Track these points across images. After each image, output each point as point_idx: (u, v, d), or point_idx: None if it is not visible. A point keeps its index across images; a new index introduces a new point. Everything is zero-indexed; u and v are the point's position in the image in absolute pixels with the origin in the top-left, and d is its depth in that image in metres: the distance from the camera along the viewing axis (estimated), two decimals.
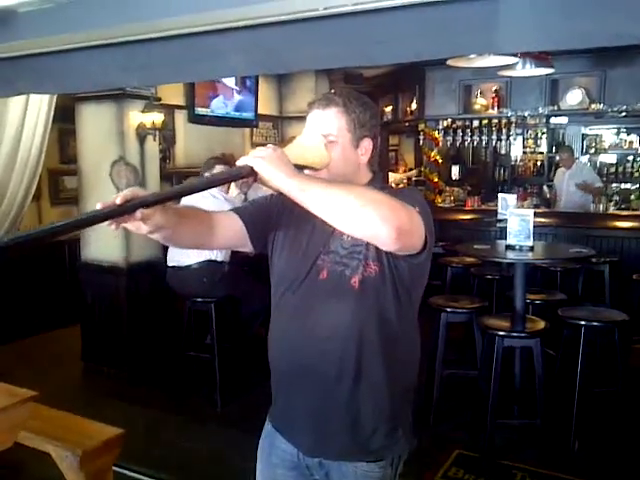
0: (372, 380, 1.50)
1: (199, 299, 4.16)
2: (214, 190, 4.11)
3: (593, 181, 6.80)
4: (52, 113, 4.47)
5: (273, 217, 1.62)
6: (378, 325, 1.48)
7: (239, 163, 1.33)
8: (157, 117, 4.67)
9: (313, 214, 1.54)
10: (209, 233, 1.52)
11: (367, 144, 1.54)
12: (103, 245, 4.73)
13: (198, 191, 1.35)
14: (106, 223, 1.20)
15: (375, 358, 1.49)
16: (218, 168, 4.14)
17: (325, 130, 1.49)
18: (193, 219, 1.49)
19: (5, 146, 4.30)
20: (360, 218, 1.27)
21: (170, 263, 4.24)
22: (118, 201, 1.18)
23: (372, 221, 1.26)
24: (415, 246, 1.39)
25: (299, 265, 1.54)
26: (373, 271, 1.46)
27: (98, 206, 1.16)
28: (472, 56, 5.02)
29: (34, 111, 4.37)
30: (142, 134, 4.68)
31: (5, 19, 2.23)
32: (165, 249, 4.61)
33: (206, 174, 4.21)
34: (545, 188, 7.66)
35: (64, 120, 4.94)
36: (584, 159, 7.88)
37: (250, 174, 1.31)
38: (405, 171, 9.41)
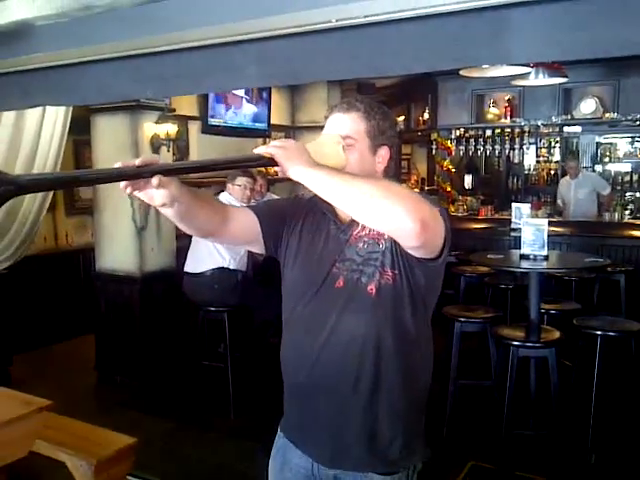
0: (389, 389, 1.48)
1: (212, 308, 4.17)
2: (234, 199, 4.18)
3: (604, 188, 6.81)
4: (68, 125, 4.52)
5: (287, 221, 1.60)
6: (395, 332, 1.46)
7: (257, 151, 1.31)
8: (171, 128, 4.71)
9: (327, 222, 1.55)
10: (222, 223, 1.49)
11: (384, 152, 1.53)
12: (117, 254, 4.77)
13: (218, 168, 1.31)
14: (122, 185, 1.17)
15: (392, 366, 1.47)
16: (240, 180, 4.21)
17: (345, 132, 1.48)
18: (208, 205, 1.46)
19: (22, 157, 4.35)
20: (384, 209, 1.23)
21: (185, 269, 4.28)
22: (137, 162, 1.16)
23: (396, 213, 1.22)
24: (436, 245, 1.37)
25: (314, 273, 1.52)
26: (390, 278, 1.44)
27: (118, 164, 1.13)
28: (485, 66, 5.02)
29: (50, 123, 4.42)
30: (156, 145, 4.72)
31: (22, 32, 2.27)
32: (180, 258, 4.64)
33: (229, 184, 4.28)
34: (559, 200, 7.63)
35: (79, 131, 5.00)
36: (598, 168, 7.84)
37: (270, 161, 1.30)
38: (417, 180, 9.40)
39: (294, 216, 1.61)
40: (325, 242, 1.54)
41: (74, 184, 1.06)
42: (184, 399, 4.34)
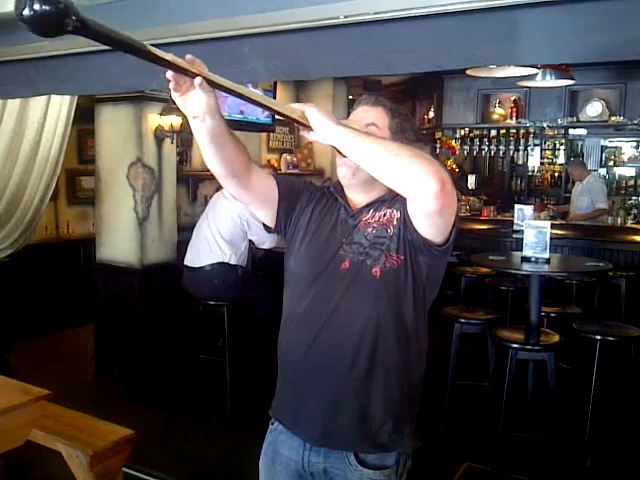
0: (384, 372, 1.51)
1: (212, 302, 4.17)
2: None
3: (599, 202, 6.52)
4: (72, 114, 4.52)
5: (302, 199, 1.64)
6: (395, 318, 1.49)
7: (294, 105, 1.35)
8: (175, 120, 4.70)
9: (338, 207, 1.59)
10: (247, 170, 1.51)
11: None
12: (118, 245, 4.77)
13: (255, 103, 1.30)
14: (168, 75, 1.17)
15: (389, 351, 1.50)
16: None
17: (369, 121, 1.52)
18: (238, 143, 1.47)
19: (25, 145, 4.35)
20: (408, 167, 1.26)
21: (185, 262, 4.27)
22: (188, 56, 1.17)
23: (420, 171, 1.25)
24: (448, 218, 1.37)
25: (320, 254, 1.55)
26: (395, 262, 1.47)
27: (169, 55, 1.12)
28: (492, 66, 5.00)
29: (55, 111, 4.42)
30: (160, 136, 4.72)
31: None
32: (181, 251, 4.64)
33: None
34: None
35: (83, 120, 4.99)
36: (602, 172, 7.81)
37: (301, 118, 1.32)
38: None
39: (309, 196, 1.65)
40: (334, 225, 1.58)
41: (125, 48, 1.03)
42: (181, 392, 4.35)
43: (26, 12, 0.88)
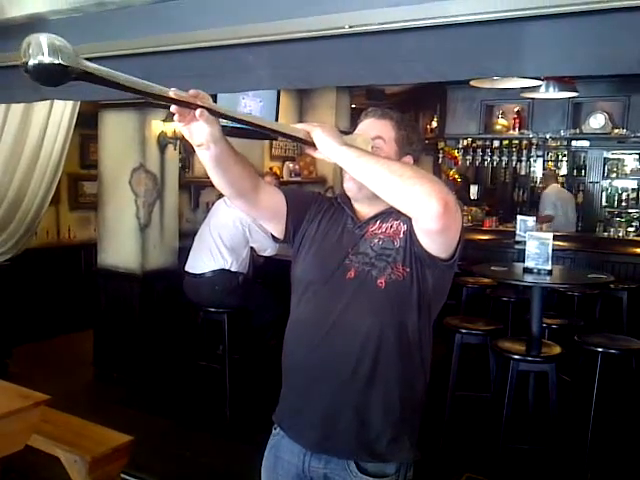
0: (385, 383, 1.51)
1: (212, 309, 4.17)
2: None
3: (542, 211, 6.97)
4: (74, 119, 4.52)
5: (310, 210, 1.66)
6: (398, 330, 1.50)
7: (298, 126, 1.38)
8: (178, 126, 4.70)
9: (345, 218, 1.61)
10: (254, 189, 1.54)
11: (409, 161, 1.58)
12: (119, 251, 4.76)
13: (259, 128, 1.34)
14: (172, 109, 1.22)
15: (391, 362, 1.50)
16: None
17: (375, 134, 1.54)
18: (244, 164, 1.49)
19: (27, 149, 4.35)
20: (411, 188, 1.29)
21: (186, 269, 4.27)
22: (191, 92, 1.21)
23: (422, 191, 1.28)
24: (452, 236, 1.39)
25: (326, 263, 1.56)
26: (401, 274, 1.48)
27: (173, 90, 1.16)
28: (496, 77, 5.02)
29: (57, 116, 4.42)
30: (163, 143, 4.73)
31: (36, 26, 2.27)
32: (181, 257, 4.63)
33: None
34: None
35: (86, 125, 5.00)
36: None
37: (306, 138, 1.36)
38: None
39: (317, 207, 1.67)
40: (340, 235, 1.60)
41: (130, 90, 1.04)
42: (181, 398, 4.33)
43: (31, 63, 0.89)
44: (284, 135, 1.37)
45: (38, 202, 4.60)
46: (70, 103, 4.41)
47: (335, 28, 1.61)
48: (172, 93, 1.16)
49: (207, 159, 1.39)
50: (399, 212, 1.52)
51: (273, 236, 1.70)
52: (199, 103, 1.22)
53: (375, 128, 1.56)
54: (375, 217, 1.57)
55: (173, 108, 1.22)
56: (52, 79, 0.93)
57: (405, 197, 1.31)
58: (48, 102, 4.22)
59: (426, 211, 1.28)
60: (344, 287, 1.52)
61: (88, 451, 2.39)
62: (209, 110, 1.23)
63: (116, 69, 2.28)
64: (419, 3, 1.43)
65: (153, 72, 2.12)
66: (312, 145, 1.38)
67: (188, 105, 1.21)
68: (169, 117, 4.70)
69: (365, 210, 1.60)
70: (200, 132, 1.31)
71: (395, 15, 1.51)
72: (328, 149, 1.36)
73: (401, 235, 1.50)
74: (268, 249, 4.29)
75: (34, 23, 2.24)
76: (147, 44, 2.00)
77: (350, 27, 1.59)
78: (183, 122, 1.28)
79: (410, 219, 1.42)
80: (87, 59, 2.23)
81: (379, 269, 1.49)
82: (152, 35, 1.94)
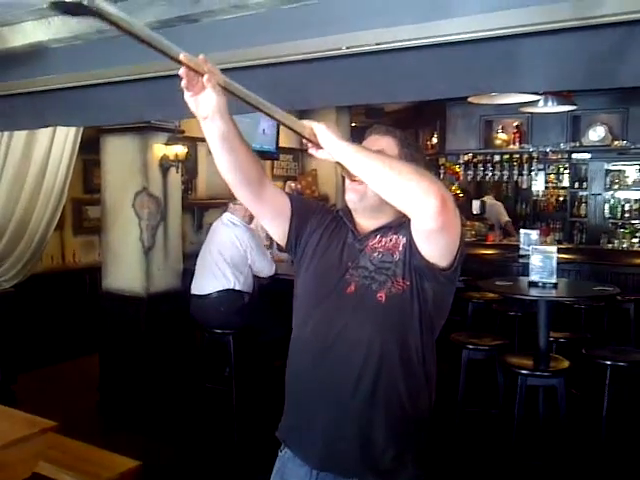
0: (388, 398, 1.49)
1: (218, 330, 4.15)
2: (236, 218, 4.19)
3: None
4: (77, 145, 4.56)
5: (313, 220, 1.66)
6: (400, 345, 1.48)
7: (303, 122, 1.38)
8: (180, 149, 4.74)
9: (346, 232, 1.61)
10: (261, 183, 1.54)
11: None
12: (124, 274, 4.77)
13: (266, 112, 1.32)
14: (181, 72, 1.20)
15: (393, 377, 1.49)
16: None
17: (379, 149, 1.54)
18: (251, 152, 1.49)
19: (31, 175, 4.39)
20: (409, 184, 1.29)
21: (192, 291, 4.27)
22: (201, 56, 1.21)
23: (419, 189, 1.28)
24: (451, 239, 1.38)
25: (326, 278, 1.56)
26: (401, 288, 1.47)
27: (183, 54, 1.14)
28: (494, 93, 5.04)
29: (60, 142, 4.47)
30: (165, 166, 4.75)
31: (37, 54, 2.30)
32: (186, 280, 4.63)
33: (230, 204, 4.30)
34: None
35: (88, 151, 5.03)
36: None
37: (310, 137, 1.37)
38: None
39: (320, 218, 1.67)
40: (341, 249, 1.59)
41: (140, 39, 1.04)
42: (188, 422, 4.30)
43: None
44: (290, 127, 1.37)
45: (43, 227, 4.62)
46: (72, 129, 4.45)
47: (332, 49, 1.63)
48: (182, 56, 1.14)
49: (213, 134, 1.37)
50: (399, 226, 1.53)
51: (277, 245, 1.71)
52: (209, 69, 1.21)
53: (378, 144, 1.56)
54: (375, 231, 1.57)
55: (181, 72, 1.20)
56: (70, 13, 0.95)
57: (404, 193, 1.30)
58: (51, 129, 4.27)
59: (424, 207, 1.28)
60: (344, 302, 1.51)
61: (96, 476, 2.35)
62: (218, 84, 1.23)
63: (117, 94, 2.30)
64: (415, 23, 1.44)
65: (154, 97, 2.14)
66: (315, 144, 1.38)
67: (199, 70, 1.19)
68: (171, 140, 4.74)
69: (366, 223, 1.60)
70: (207, 103, 1.29)
71: (391, 35, 1.52)
72: (329, 143, 1.36)
73: (400, 248, 1.50)
74: (264, 270, 4.27)
75: (35, 51, 2.27)
76: (147, 69, 2.02)
77: (347, 48, 1.61)
78: (191, 91, 1.26)
79: (409, 231, 1.42)
80: (89, 86, 2.24)
81: (379, 283, 1.49)
82: (151, 60, 1.96)
